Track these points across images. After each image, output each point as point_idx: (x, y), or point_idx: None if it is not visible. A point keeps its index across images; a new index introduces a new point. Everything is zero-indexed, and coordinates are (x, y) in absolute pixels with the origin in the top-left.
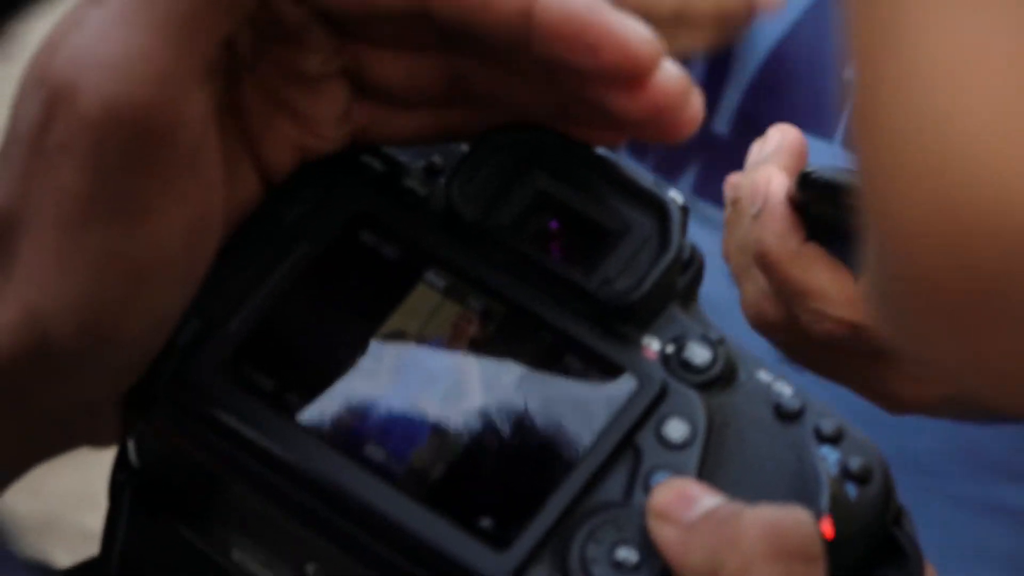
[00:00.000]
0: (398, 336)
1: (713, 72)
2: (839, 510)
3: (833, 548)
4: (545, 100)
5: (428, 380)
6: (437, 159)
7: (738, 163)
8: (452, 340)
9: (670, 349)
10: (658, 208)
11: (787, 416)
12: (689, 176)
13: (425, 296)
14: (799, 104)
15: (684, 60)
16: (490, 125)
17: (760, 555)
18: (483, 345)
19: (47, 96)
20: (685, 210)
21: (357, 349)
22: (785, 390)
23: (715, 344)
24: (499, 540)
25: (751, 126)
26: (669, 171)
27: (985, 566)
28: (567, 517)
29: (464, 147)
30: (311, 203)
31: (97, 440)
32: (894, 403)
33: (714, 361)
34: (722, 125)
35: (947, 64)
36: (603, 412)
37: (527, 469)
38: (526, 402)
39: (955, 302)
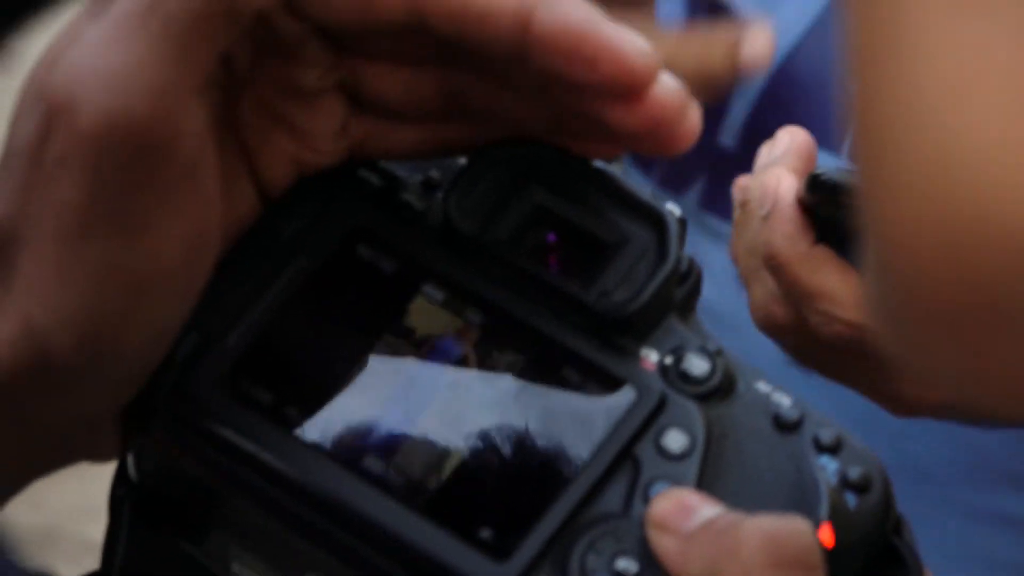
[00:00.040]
0: (396, 349)
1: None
2: (839, 519)
3: (833, 557)
4: (542, 114)
5: (427, 393)
6: (435, 173)
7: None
8: (451, 353)
9: (668, 360)
10: (656, 220)
11: (786, 426)
12: (695, 190)
13: (423, 309)
14: (806, 117)
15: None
16: (487, 139)
17: (760, 565)
18: (481, 358)
19: (45, 110)
20: (683, 222)
21: (355, 362)
22: (784, 400)
23: (713, 355)
24: (499, 551)
25: (758, 140)
26: (675, 185)
27: (991, 575)
28: (567, 528)
29: (462, 161)
30: (309, 217)
31: (97, 454)
32: (902, 406)
33: (712, 372)
34: (728, 139)
35: (948, 75)
36: (602, 424)
37: (526, 480)
38: (525, 414)
39: (954, 312)
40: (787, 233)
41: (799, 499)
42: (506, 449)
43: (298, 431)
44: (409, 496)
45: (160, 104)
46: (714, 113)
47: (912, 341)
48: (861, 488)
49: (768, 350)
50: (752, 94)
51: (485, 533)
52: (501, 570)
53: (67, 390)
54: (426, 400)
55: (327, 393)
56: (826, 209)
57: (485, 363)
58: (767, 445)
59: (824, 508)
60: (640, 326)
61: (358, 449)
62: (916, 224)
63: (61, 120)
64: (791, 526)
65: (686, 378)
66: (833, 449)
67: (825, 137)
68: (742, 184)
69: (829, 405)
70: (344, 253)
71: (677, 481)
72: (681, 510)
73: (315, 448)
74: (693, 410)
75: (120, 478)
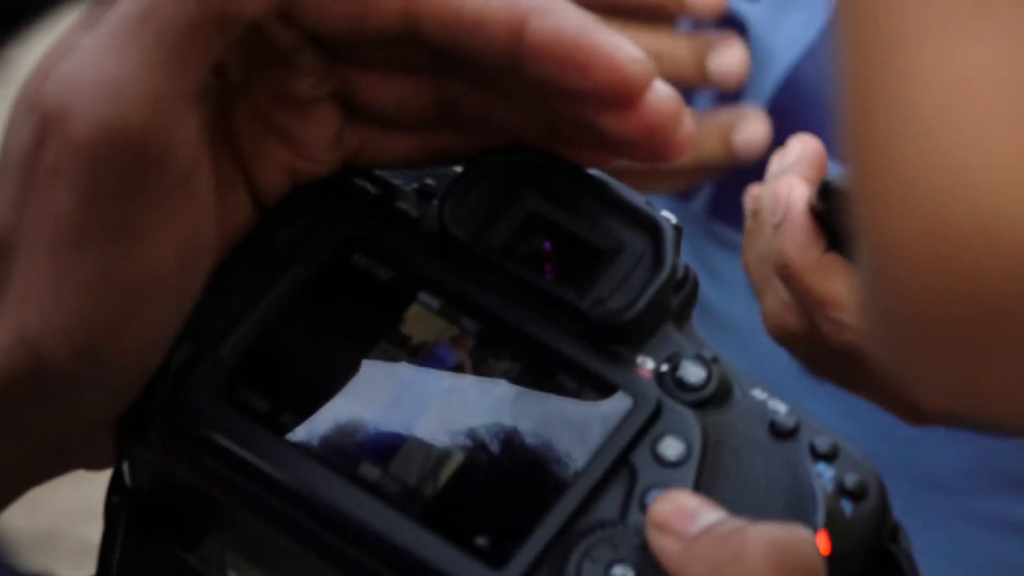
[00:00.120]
0: (392, 357)
1: (728, 96)
2: (835, 527)
3: (829, 565)
4: (536, 122)
5: (423, 400)
6: (430, 182)
7: (755, 180)
8: (446, 360)
9: (664, 368)
10: (651, 227)
11: (782, 433)
12: (703, 197)
13: (419, 317)
14: (814, 126)
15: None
16: (482, 147)
17: (764, 572)
18: (477, 365)
19: (39, 120)
20: (678, 229)
21: (351, 370)
22: (780, 408)
23: (709, 363)
24: (495, 559)
25: (768, 149)
26: (683, 193)
27: None
28: (563, 536)
29: (457, 170)
30: (304, 226)
31: (92, 463)
32: (914, 414)
33: (709, 379)
34: None
35: (945, 85)
36: (598, 431)
37: (523, 488)
38: (521, 422)
39: (951, 324)
40: (799, 241)
41: (795, 506)
42: (502, 456)
43: (294, 438)
44: (405, 503)
45: (154, 113)
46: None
47: (908, 353)
48: (857, 495)
49: (777, 358)
50: (760, 103)
51: (481, 541)
52: None
53: (62, 398)
54: (422, 407)
55: (323, 400)
56: (838, 217)
57: (481, 370)
58: (763, 452)
59: (820, 515)
60: (636, 333)
61: (354, 456)
62: (912, 236)
63: (55, 129)
64: (796, 535)
65: (682, 385)
66: (829, 456)
67: (834, 148)
68: (754, 193)
69: (840, 413)
70: (339, 261)
71: (674, 488)
72: (682, 513)
73: (311, 455)
74: (689, 417)
75: (115, 485)
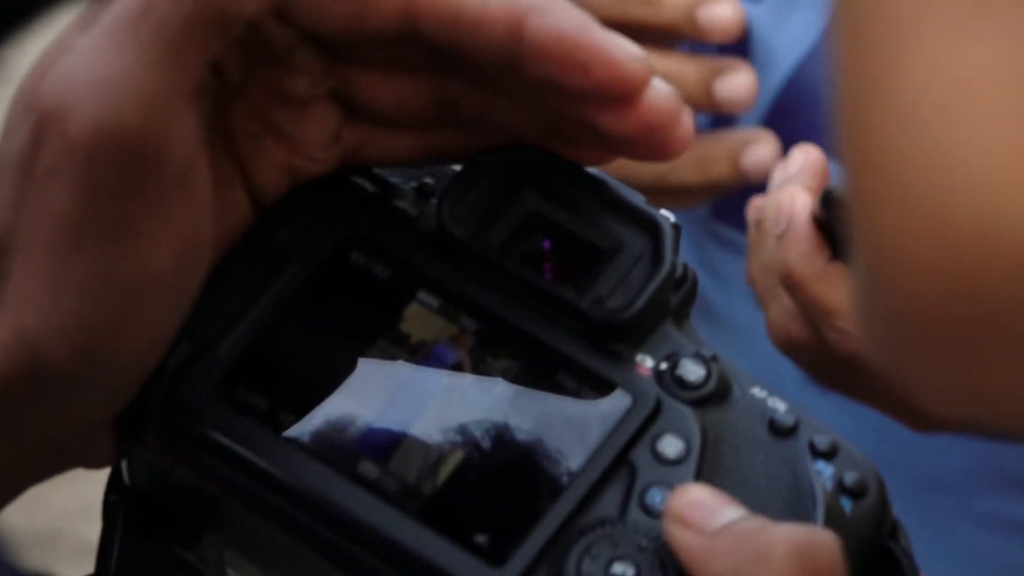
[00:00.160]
0: (391, 355)
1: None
2: (834, 525)
3: None
4: (535, 120)
5: (422, 398)
6: (428, 181)
7: (758, 186)
8: (445, 359)
9: (664, 366)
10: (650, 226)
11: (781, 432)
12: None
13: (418, 315)
14: (818, 127)
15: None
16: (481, 146)
17: (788, 573)
18: (476, 364)
19: (36, 120)
20: (677, 228)
21: (350, 368)
22: (779, 406)
23: (709, 361)
24: (495, 556)
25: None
26: None
27: None
28: (563, 533)
29: (456, 168)
30: (302, 224)
31: (90, 462)
32: (920, 421)
33: (708, 378)
34: None
35: (945, 86)
36: (597, 429)
37: (522, 486)
38: (520, 420)
39: (950, 325)
40: (802, 251)
41: (795, 504)
42: (501, 454)
43: (292, 437)
44: (404, 501)
45: (151, 112)
46: (726, 122)
47: (907, 354)
48: (857, 493)
49: (780, 359)
50: (763, 105)
51: (481, 538)
52: (497, 575)
53: (60, 398)
54: (421, 406)
55: (321, 399)
56: (840, 226)
57: (480, 369)
58: (763, 450)
59: (820, 513)
60: (635, 332)
61: (353, 455)
62: (910, 236)
63: (52, 129)
64: (821, 537)
65: (681, 383)
66: (829, 454)
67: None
68: (757, 204)
69: (843, 413)
70: (338, 260)
71: (673, 486)
72: (703, 507)
73: (310, 454)
74: (688, 415)
75: (114, 484)
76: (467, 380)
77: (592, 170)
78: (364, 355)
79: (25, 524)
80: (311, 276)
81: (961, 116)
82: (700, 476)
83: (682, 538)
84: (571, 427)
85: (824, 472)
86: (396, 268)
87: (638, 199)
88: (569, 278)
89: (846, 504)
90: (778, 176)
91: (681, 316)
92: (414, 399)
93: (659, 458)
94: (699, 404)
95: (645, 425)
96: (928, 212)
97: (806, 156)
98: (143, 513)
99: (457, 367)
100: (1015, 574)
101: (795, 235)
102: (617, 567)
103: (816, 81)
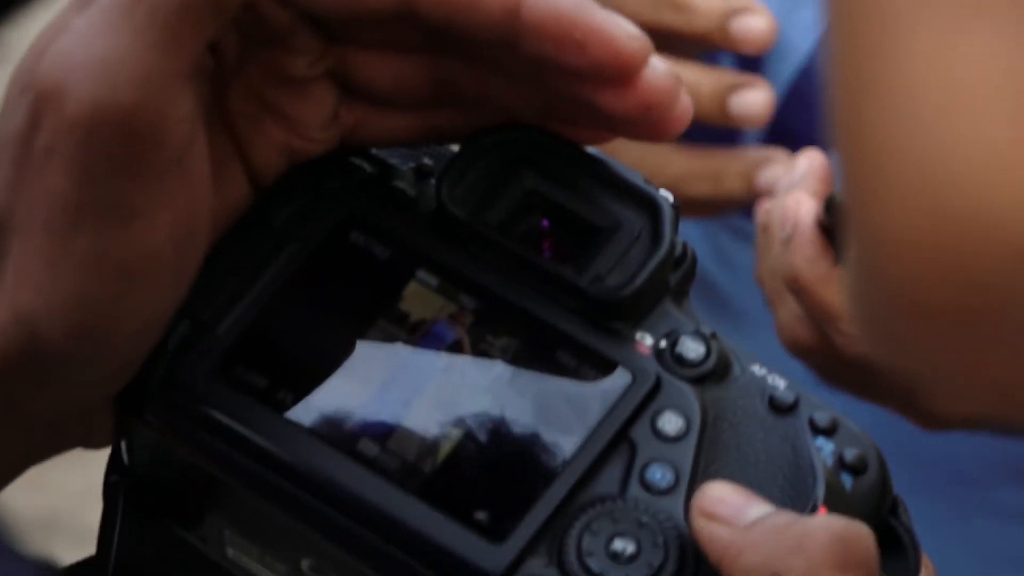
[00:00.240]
0: (391, 334)
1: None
2: (835, 501)
3: None
4: (533, 100)
5: (421, 377)
6: (427, 161)
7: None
8: (445, 337)
9: (663, 344)
10: (649, 205)
11: (781, 408)
12: None
13: (417, 294)
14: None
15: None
16: (479, 126)
17: (827, 563)
18: (476, 342)
19: (34, 100)
20: (676, 207)
21: (349, 347)
22: (779, 383)
23: (708, 338)
24: (495, 533)
25: (783, 139)
26: None
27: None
28: (563, 510)
29: (454, 149)
30: (301, 205)
31: (90, 442)
32: (932, 420)
33: (708, 355)
34: (753, 137)
35: (944, 81)
36: (597, 407)
37: (522, 463)
38: (520, 398)
39: (949, 316)
40: (808, 256)
41: (795, 480)
42: (501, 432)
43: (292, 416)
44: (404, 479)
45: (147, 92)
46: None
47: (905, 347)
48: (857, 469)
49: (796, 363)
50: (776, 94)
51: (481, 515)
52: (497, 552)
53: (59, 378)
54: (421, 384)
55: (321, 378)
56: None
57: (479, 347)
58: (763, 427)
59: (820, 489)
60: (634, 310)
61: (353, 433)
62: (907, 227)
63: (49, 110)
64: (858, 530)
65: (681, 361)
66: (829, 431)
67: None
68: (764, 208)
69: (862, 411)
70: (337, 239)
71: (673, 463)
72: (732, 502)
73: (309, 432)
74: (688, 392)
75: (114, 465)
76: (467, 358)
77: (590, 149)
78: (363, 334)
79: (26, 508)
80: (310, 256)
81: (958, 109)
82: (700, 453)
83: (711, 532)
84: (571, 405)
85: (824, 448)
86: (395, 248)
87: (637, 178)
88: (568, 257)
89: (846, 480)
90: (784, 180)
91: (680, 294)
92: (414, 378)
93: (659, 435)
94: (699, 381)
95: (645, 402)
96: (925, 204)
97: (811, 161)
98: (144, 494)
99: (456, 345)
100: None
101: (800, 240)
102: (618, 543)
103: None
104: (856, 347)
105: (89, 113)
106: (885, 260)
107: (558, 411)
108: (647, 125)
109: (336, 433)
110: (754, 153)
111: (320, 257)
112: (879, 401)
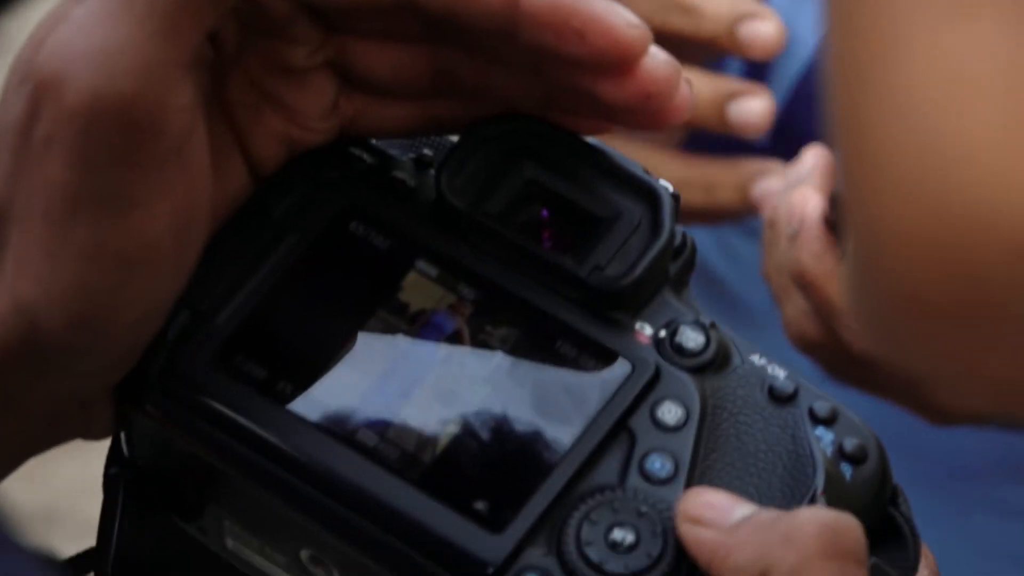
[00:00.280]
0: (390, 324)
1: (752, 81)
2: (834, 490)
3: None
4: (533, 90)
5: (421, 367)
6: (427, 152)
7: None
8: (444, 328)
9: (663, 334)
10: (648, 195)
11: (781, 398)
12: None
13: (417, 284)
14: None
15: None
16: (478, 116)
17: (817, 553)
18: (475, 332)
19: (33, 89)
20: (676, 197)
21: (349, 338)
22: (779, 373)
23: (708, 328)
24: (494, 523)
25: (790, 135)
26: None
27: None
28: (562, 500)
29: (453, 139)
30: (301, 195)
31: (89, 433)
32: (939, 415)
33: (707, 345)
34: (760, 135)
35: (943, 76)
36: (597, 396)
37: (521, 453)
38: (519, 388)
39: (948, 311)
40: (815, 251)
41: (795, 470)
42: (500, 422)
43: (291, 406)
44: (404, 469)
45: (147, 81)
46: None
47: (905, 345)
48: (857, 459)
49: (803, 358)
50: (784, 90)
51: (480, 505)
52: (496, 542)
53: (58, 368)
54: (420, 374)
55: (320, 368)
56: None
57: (479, 337)
58: (762, 417)
59: (820, 479)
60: (634, 300)
61: (352, 423)
62: (906, 222)
63: (48, 99)
64: (846, 519)
65: (681, 351)
66: (828, 421)
67: None
68: (771, 204)
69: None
70: (336, 230)
71: (673, 453)
72: (717, 506)
73: (309, 422)
74: (688, 382)
75: (113, 456)
76: (466, 349)
77: (590, 139)
78: (363, 324)
79: (25, 500)
80: (310, 246)
81: (956, 102)
82: (699, 443)
83: (698, 535)
84: (570, 395)
85: (824, 438)
86: (395, 238)
87: (636, 167)
88: (568, 247)
89: (846, 470)
90: (790, 176)
91: (680, 284)
92: (413, 368)
93: (659, 425)
94: (698, 371)
95: (644, 392)
96: (923, 198)
97: (817, 157)
98: (143, 485)
99: (456, 336)
100: None
101: (807, 235)
102: (617, 533)
103: None
104: (863, 342)
105: (88, 103)
106: (884, 255)
107: (557, 401)
108: (647, 114)
109: (335, 423)
110: (750, 165)
111: (319, 247)
112: (886, 396)
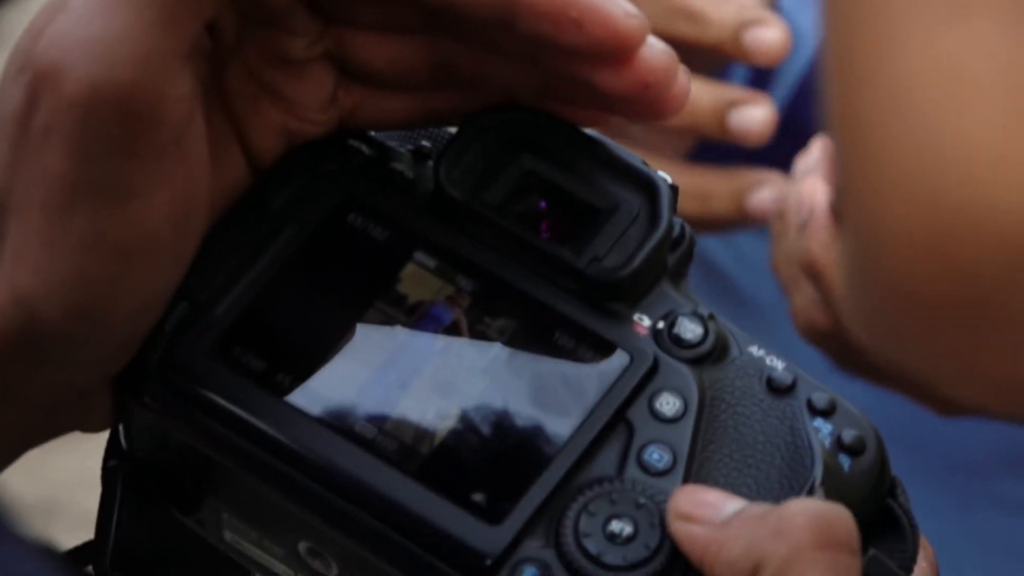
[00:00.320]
0: (388, 316)
1: (756, 79)
2: (833, 482)
3: None
4: (531, 80)
5: (419, 359)
6: (425, 144)
7: (782, 169)
8: (442, 319)
9: (661, 325)
10: (647, 186)
11: (779, 390)
12: None
13: (415, 276)
14: None
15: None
16: (477, 107)
17: (808, 544)
18: (473, 324)
19: (31, 79)
20: (674, 188)
21: (347, 329)
22: (777, 364)
23: (706, 319)
24: (492, 515)
25: (795, 132)
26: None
27: None
28: (560, 492)
29: (451, 130)
30: (299, 186)
31: (88, 424)
32: (945, 406)
33: (705, 336)
34: None
35: (941, 74)
36: (595, 388)
37: (519, 445)
38: (517, 379)
39: (943, 306)
40: (824, 240)
41: (793, 461)
42: (498, 414)
43: (289, 397)
44: (401, 461)
45: (145, 71)
46: (762, 84)
47: (903, 342)
48: (855, 450)
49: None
50: (787, 87)
51: (478, 497)
52: (494, 533)
53: (57, 359)
54: (418, 366)
55: (319, 360)
56: None
57: (477, 329)
58: (761, 408)
59: (818, 470)
60: (632, 291)
61: (350, 415)
62: (903, 218)
63: (47, 89)
64: (837, 510)
65: (679, 342)
66: (827, 412)
67: None
68: (780, 195)
69: (866, 391)
70: (335, 221)
71: (671, 444)
72: (707, 502)
73: (307, 414)
74: (686, 374)
75: (112, 449)
76: (464, 340)
77: (588, 130)
78: (361, 316)
79: (25, 492)
80: (308, 237)
81: (953, 100)
82: (697, 434)
83: (689, 532)
84: (568, 386)
85: (822, 430)
86: (393, 229)
87: (635, 159)
88: (566, 238)
89: (844, 461)
90: (800, 167)
91: (678, 275)
92: (411, 359)
93: (657, 416)
94: (697, 362)
95: (642, 383)
96: (920, 195)
97: (825, 148)
98: (142, 478)
99: (454, 327)
100: None
101: (816, 225)
102: (615, 524)
103: None
104: None
105: (87, 93)
106: (882, 254)
107: (555, 393)
108: (645, 104)
109: (334, 415)
110: (747, 175)
111: (318, 239)
112: (894, 387)
